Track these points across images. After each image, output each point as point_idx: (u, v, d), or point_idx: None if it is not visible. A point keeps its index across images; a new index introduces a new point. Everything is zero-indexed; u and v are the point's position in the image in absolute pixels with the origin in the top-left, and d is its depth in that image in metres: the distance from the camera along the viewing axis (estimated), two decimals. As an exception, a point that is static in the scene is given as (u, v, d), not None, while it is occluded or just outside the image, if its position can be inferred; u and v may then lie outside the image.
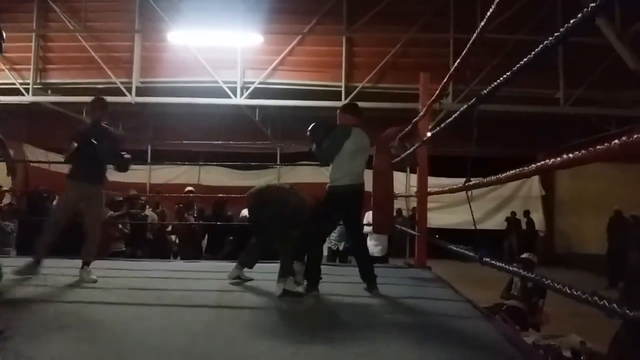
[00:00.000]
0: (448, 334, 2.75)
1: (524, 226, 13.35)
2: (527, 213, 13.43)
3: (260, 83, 10.08)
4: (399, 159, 5.16)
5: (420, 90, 5.59)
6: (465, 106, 2.52)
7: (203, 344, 2.44)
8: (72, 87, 10.69)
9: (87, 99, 12.21)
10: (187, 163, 14.39)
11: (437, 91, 3.99)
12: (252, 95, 10.11)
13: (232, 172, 14.65)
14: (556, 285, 1.69)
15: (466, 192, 3.07)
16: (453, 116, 2.76)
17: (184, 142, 14.01)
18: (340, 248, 7.87)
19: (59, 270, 4.08)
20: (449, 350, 2.46)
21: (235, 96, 10.07)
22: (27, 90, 10.44)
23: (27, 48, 10.39)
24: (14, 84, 10.43)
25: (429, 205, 5.77)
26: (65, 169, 4.26)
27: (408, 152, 4.90)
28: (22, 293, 3.42)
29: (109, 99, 10.57)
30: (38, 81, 10.62)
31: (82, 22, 10.21)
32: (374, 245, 7.94)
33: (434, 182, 6.81)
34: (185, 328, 2.70)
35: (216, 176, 14.36)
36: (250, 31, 9.52)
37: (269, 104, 10.40)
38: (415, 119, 4.81)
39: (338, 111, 4.04)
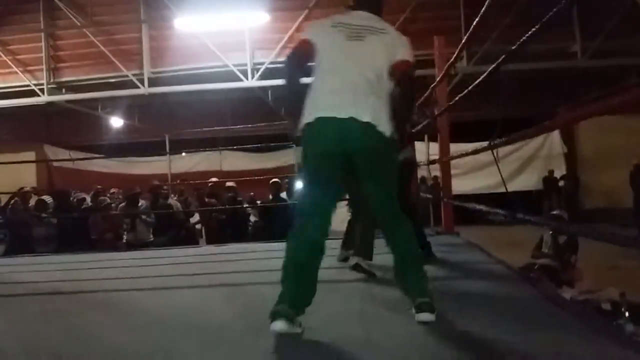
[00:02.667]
0: (486, 296, 2.74)
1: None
2: (564, 176, 13.39)
3: (270, 63, 10.01)
4: (419, 127, 5.09)
5: (435, 54, 5.48)
6: (493, 65, 2.45)
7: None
8: (86, 83, 10.78)
9: (102, 94, 12.08)
10: (207, 149, 14.47)
11: (456, 54, 3.91)
12: (263, 76, 10.05)
13: (249, 155, 14.70)
14: (598, 233, 1.68)
15: (492, 152, 3.04)
16: (480, 77, 2.69)
17: (199, 129, 14.07)
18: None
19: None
20: (490, 312, 2.45)
21: (247, 79, 10.03)
22: (41, 90, 10.54)
23: (38, 48, 10.46)
24: (28, 85, 10.54)
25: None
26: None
27: (428, 120, 4.83)
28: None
29: (123, 92, 10.70)
30: (52, 80, 10.71)
31: (89, 17, 10.21)
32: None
33: (453, 148, 6.71)
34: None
35: (234, 161, 14.44)
36: (256, 10, 9.40)
37: (280, 84, 10.31)
38: (433, 84, 4.74)
39: None
